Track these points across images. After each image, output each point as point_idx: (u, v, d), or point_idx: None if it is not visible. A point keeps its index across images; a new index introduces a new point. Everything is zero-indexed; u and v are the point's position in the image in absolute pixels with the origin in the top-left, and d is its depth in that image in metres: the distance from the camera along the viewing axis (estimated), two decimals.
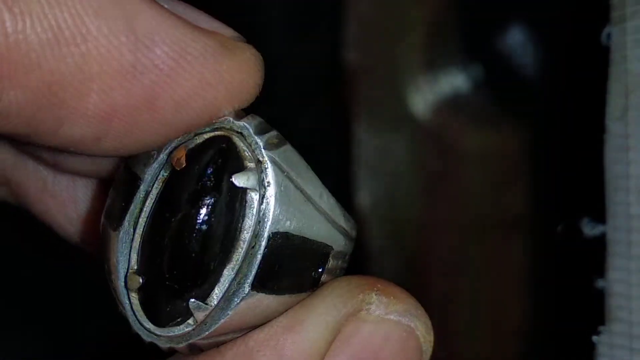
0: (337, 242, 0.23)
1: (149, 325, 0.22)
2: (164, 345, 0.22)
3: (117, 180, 0.23)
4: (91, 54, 0.20)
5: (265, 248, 0.21)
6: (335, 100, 0.57)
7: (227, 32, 0.22)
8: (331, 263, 0.24)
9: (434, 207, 0.56)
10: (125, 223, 0.22)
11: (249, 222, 0.22)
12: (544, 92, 0.49)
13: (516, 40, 0.50)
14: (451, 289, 0.54)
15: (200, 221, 0.21)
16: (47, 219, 0.29)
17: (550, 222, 0.33)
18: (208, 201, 0.21)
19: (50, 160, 0.27)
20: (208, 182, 0.21)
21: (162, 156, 0.22)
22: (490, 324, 0.53)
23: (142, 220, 0.22)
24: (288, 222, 0.22)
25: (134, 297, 0.22)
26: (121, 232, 0.22)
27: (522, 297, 0.49)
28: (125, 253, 0.22)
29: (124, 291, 0.22)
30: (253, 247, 0.21)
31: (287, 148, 0.23)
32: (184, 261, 0.21)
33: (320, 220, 0.23)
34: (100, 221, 0.24)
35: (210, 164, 0.21)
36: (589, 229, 0.30)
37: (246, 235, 0.21)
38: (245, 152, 0.22)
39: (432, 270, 0.56)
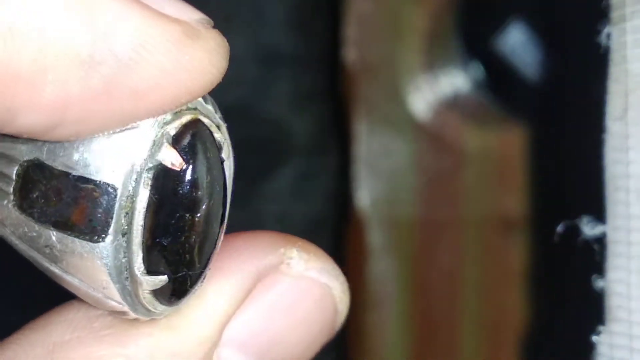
0: None
1: (160, 308, 0.23)
2: (162, 316, 0.23)
3: (69, 190, 0.22)
4: (48, 47, 0.19)
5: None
6: (335, 100, 0.57)
7: (194, 16, 0.21)
8: None
9: (434, 207, 0.56)
10: (111, 233, 0.22)
11: (228, 184, 0.23)
12: (544, 92, 0.49)
13: (516, 40, 0.50)
14: (451, 288, 0.54)
15: (221, 208, 0.22)
16: None
17: (550, 222, 0.33)
18: (218, 188, 0.22)
19: None
20: (210, 173, 0.22)
21: (135, 159, 0.22)
22: (490, 323, 0.53)
23: (137, 225, 0.22)
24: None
25: (147, 292, 0.22)
26: (108, 242, 0.22)
27: (522, 297, 0.49)
28: (122, 262, 0.22)
29: (128, 292, 0.22)
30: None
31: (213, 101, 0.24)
32: (216, 247, 0.23)
33: None
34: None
35: (200, 152, 0.22)
36: (589, 229, 0.30)
37: (227, 197, 0.23)
38: (212, 126, 0.22)
39: (432, 270, 0.56)
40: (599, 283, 0.30)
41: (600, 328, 0.30)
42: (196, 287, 0.23)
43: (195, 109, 0.22)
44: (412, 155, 0.56)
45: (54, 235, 0.22)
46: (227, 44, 0.22)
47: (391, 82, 0.56)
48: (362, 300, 0.55)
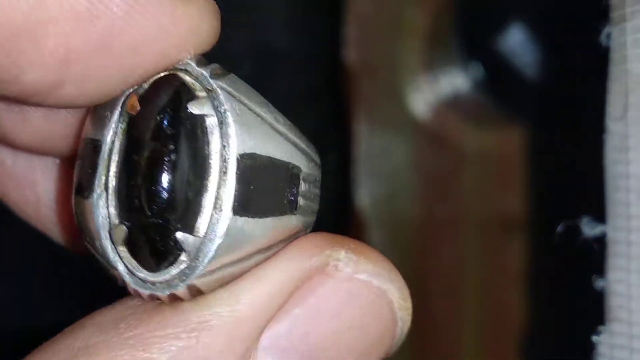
0: (303, 163, 0.24)
1: (143, 274, 0.22)
2: (163, 294, 0.22)
3: (80, 153, 0.24)
4: None
5: (237, 170, 0.22)
6: (335, 100, 0.57)
7: None
8: (303, 186, 0.24)
9: (434, 207, 0.56)
10: (96, 187, 0.22)
11: (215, 148, 0.22)
12: (544, 92, 0.49)
13: (516, 40, 0.50)
14: (451, 288, 0.54)
15: (167, 152, 0.22)
16: (6, 200, 0.29)
17: (550, 222, 0.33)
18: (170, 132, 0.22)
19: (9, 136, 0.26)
20: (166, 117, 0.22)
21: (115, 113, 0.23)
22: (490, 323, 0.53)
23: (112, 177, 0.22)
24: (252, 143, 0.22)
25: (123, 250, 0.22)
26: (94, 197, 0.22)
27: (522, 297, 0.49)
28: (104, 215, 0.22)
29: (112, 249, 0.22)
30: (225, 172, 0.22)
31: (232, 76, 0.23)
32: (160, 193, 0.21)
33: (281, 141, 0.23)
34: (72, 200, 0.24)
35: (164, 101, 0.22)
36: (589, 229, 0.30)
37: (215, 160, 0.22)
38: (194, 84, 0.22)
39: (432, 270, 0.56)
40: (599, 283, 0.30)
41: (600, 328, 0.30)
42: (177, 253, 0.22)
43: (184, 69, 0.23)
44: (412, 155, 0.56)
45: (76, 204, 0.23)
46: (217, 6, 0.22)
47: (391, 82, 0.56)
48: None
